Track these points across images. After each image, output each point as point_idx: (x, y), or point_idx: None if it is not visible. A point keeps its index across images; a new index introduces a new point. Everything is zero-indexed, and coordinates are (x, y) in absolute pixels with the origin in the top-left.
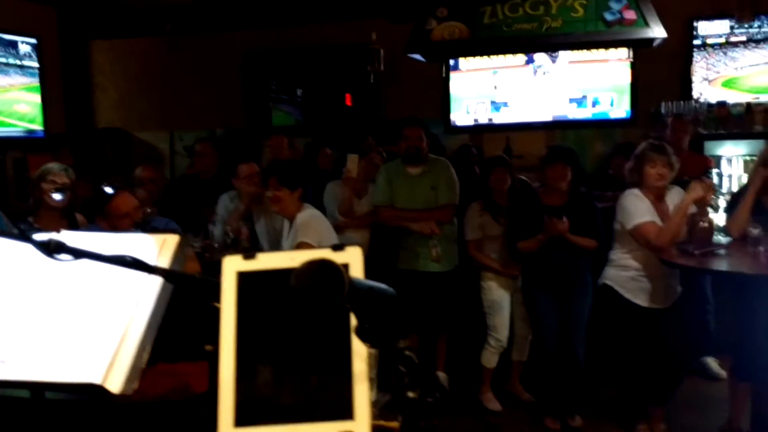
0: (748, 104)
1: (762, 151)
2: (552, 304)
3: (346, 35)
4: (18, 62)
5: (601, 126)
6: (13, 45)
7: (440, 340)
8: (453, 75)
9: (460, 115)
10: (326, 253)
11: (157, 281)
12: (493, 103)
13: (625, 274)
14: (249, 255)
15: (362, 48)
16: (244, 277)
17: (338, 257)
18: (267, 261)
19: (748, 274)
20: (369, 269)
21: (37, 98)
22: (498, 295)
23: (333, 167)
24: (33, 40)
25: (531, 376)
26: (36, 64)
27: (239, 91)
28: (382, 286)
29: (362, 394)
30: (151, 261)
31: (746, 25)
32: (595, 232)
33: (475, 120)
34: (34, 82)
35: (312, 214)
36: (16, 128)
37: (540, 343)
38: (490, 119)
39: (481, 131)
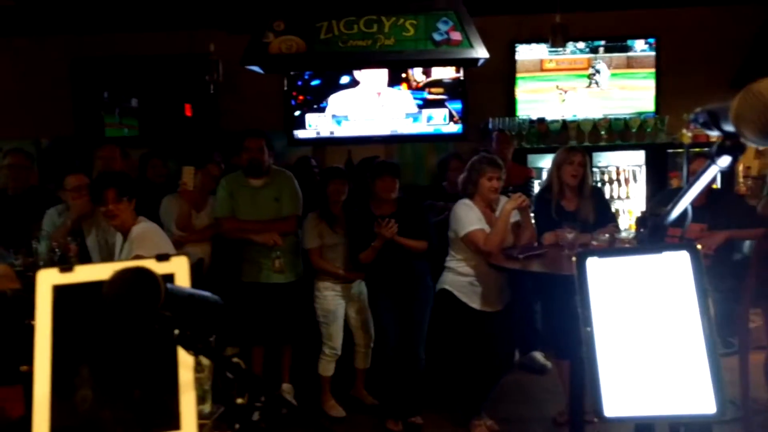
0: (564, 121)
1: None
2: (393, 309)
3: (183, 44)
4: None
5: (435, 140)
6: None
7: (286, 352)
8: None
9: (302, 129)
10: (148, 263)
11: None
12: (334, 116)
13: (461, 279)
14: (66, 267)
15: (200, 58)
16: (60, 291)
17: (163, 267)
18: (86, 273)
19: (563, 274)
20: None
21: None
22: (333, 305)
23: (166, 180)
24: None
25: (375, 381)
26: None
27: (68, 99)
28: (205, 293)
29: (189, 404)
30: None
31: (560, 50)
32: (425, 235)
33: (318, 133)
34: None
35: (148, 226)
36: None
37: (382, 346)
38: (332, 132)
39: (323, 144)
